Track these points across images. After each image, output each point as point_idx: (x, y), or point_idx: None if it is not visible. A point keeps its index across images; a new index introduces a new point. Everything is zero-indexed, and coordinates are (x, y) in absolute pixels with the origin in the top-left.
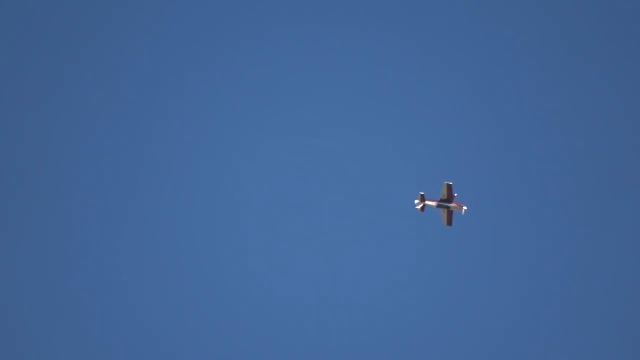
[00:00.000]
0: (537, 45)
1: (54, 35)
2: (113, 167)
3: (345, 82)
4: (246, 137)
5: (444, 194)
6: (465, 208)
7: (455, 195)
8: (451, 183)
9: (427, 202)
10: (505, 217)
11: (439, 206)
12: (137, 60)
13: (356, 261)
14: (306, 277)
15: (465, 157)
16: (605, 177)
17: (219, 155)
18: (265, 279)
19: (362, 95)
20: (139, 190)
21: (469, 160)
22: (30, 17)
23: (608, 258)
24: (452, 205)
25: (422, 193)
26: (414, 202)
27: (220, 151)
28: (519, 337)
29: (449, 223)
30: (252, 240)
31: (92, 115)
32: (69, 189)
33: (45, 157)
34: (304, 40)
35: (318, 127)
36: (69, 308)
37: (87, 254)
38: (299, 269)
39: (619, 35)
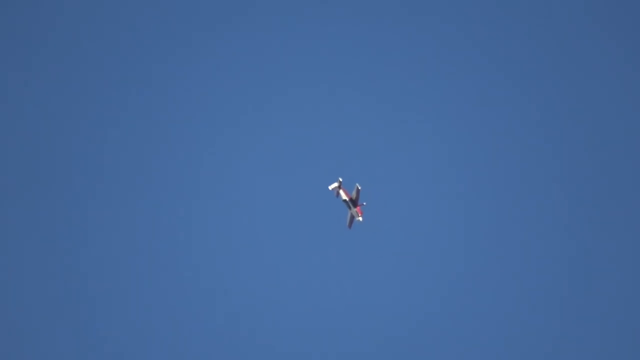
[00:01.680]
0: (537, 45)
1: (55, 35)
2: (111, 167)
3: (343, 83)
4: (242, 138)
5: (353, 194)
6: (360, 218)
7: (364, 204)
8: (360, 188)
9: (340, 191)
10: (506, 218)
11: (345, 202)
12: (136, 61)
13: (356, 263)
14: (306, 279)
15: (465, 158)
16: (606, 177)
17: (214, 156)
18: (264, 282)
19: (361, 96)
20: (133, 192)
21: (468, 161)
22: (31, 17)
23: (609, 258)
24: (353, 209)
25: (341, 179)
26: (331, 183)
27: (216, 152)
28: (517, 340)
29: (349, 225)
30: (250, 241)
31: (91, 115)
32: (67, 189)
33: (44, 157)
34: (301, 40)
35: (317, 127)
36: (64, 309)
37: (83, 255)
38: (298, 270)
39: (619, 36)
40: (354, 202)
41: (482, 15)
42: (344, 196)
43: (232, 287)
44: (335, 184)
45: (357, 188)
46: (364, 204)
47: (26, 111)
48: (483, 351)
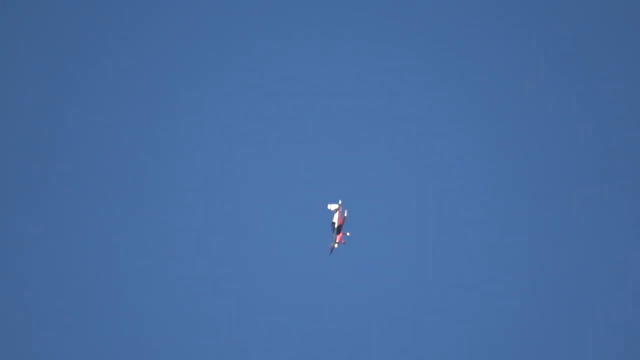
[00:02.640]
0: (536, 45)
1: (55, 36)
2: (110, 167)
3: (341, 84)
4: (244, 141)
5: (340, 220)
6: (336, 245)
7: (347, 234)
8: (347, 215)
9: (335, 214)
10: (504, 219)
11: (332, 224)
12: (137, 62)
13: (357, 264)
14: (307, 281)
15: (465, 159)
16: (606, 177)
17: (215, 157)
18: (262, 283)
19: (360, 99)
20: (131, 192)
21: (468, 162)
22: (29, 17)
23: (610, 260)
24: (335, 236)
25: (341, 202)
26: (332, 203)
27: (216, 154)
28: (516, 342)
29: (330, 251)
30: (252, 244)
31: (92, 116)
32: (64, 190)
33: (42, 157)
34: (299, 43)
35: (316, 129)
36: (62, 311)
37: (80, 255)
38: (300, 272)
39: (619, 36)
40: (338, 228)
41: (481, 12)
42: (335, 219)
43: (232, 289)
44: (336, 206)
45: (344, 215)
46: (348, 234)
47: (23, 111)
48: (482, 354)
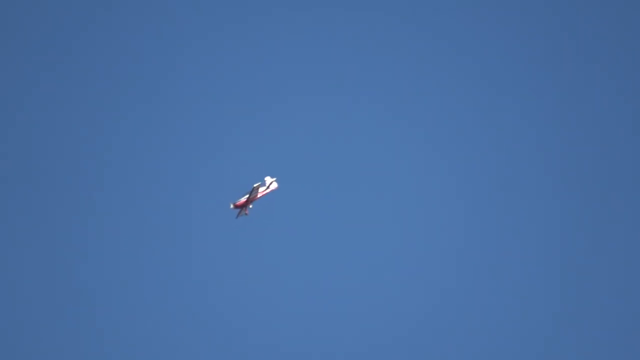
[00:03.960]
0: (536, 44)
1: (52, 35)
2: (107, 168)
3: (342, 81)
4: (242, 143)
5: (261, 193)
6: (235, 208)
7: (251, 206)
8: (261, 189)
9: (263, 187)
10: (505, 219)
11: (251, 189)
12: (129, 59)
13: (356, 267)
14: (306, 284)
15: (465, 158)
16: (605, 178)
17: (210, 157)
18: (263, 283)
19: (361, 96)
20: (133, 193)
21: (468, 161)
22: (26, 17)
23: (610, 260)
24: (243, 199)
25: (275, 179)
26: (271, 177)
27: (212, 153)
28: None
29: (236, 212)
30: (250, 243)
31: (88, 115)
32: (64, 190)
33: (44, 157)
34: (297, 37)
35: (317, 128)
36: (61, 311)
37: (82, 256)
38: (299, 275)
39: (619, 36)
40: (251, 199)
41: (479, 15)
42: (257, 187)
43: (232, 289)
44: (271, 181)
45: (257, 188)
46: (251, 206)
47: (23, 111)
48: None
